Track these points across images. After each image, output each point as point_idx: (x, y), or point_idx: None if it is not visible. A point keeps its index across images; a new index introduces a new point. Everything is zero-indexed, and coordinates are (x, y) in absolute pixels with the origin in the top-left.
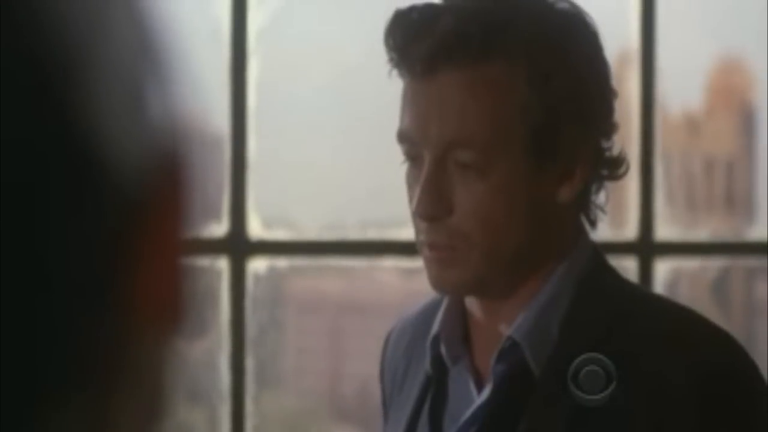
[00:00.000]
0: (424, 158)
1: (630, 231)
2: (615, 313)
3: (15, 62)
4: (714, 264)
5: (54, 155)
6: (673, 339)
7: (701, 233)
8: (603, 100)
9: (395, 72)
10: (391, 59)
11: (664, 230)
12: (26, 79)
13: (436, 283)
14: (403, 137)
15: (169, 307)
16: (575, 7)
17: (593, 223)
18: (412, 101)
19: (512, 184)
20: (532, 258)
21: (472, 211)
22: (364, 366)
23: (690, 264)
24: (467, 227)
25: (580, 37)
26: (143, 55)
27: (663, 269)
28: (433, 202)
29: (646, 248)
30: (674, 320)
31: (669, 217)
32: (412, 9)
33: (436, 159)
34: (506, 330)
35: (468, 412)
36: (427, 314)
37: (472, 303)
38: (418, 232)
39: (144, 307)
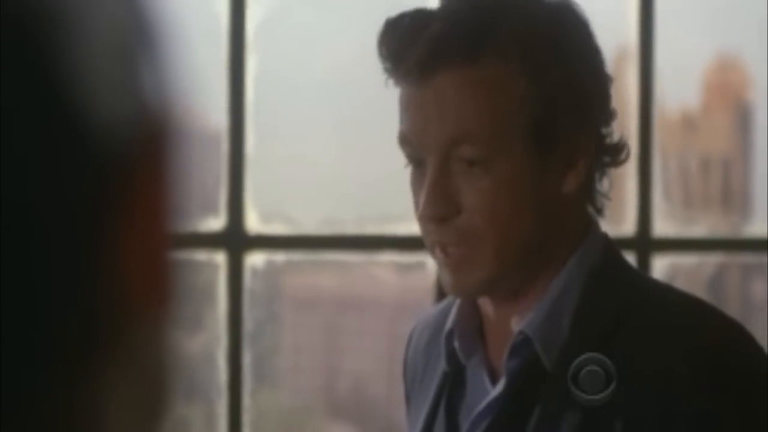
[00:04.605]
0: (426, 161)
1: (628, 227)
2: (624, 306)
3: None
4: (711, 260)
5: (37, 117)
6: (683, 330)
7: (698, 230)
8: (599, 88)
9: (391, 82)
10: (386, 68)
11: (662, 226)
12: (9, 38)
13: (454, 287)
14: (404, 141)
15: (155, 285)
16: None
17: (600, 211)
18: (409, 106)
19: (517, 178)
20: (543, 252)
21: (480, 207)
22: (360, 362)
23: (687, 260)
24: (476, 224)
25: (571, 27)
26: (135, 26)
27: (660, 265)
28: (439, 202)
29: (644, 244)
30: (684, 311)
31: (666, 213)
32: (403, 16)
33: (439, 160)
34: (518, 325)
35: (481, 406)
36: (445, 313)
37: (484, 300)
38: (426, 234)
39: (128, 282)
